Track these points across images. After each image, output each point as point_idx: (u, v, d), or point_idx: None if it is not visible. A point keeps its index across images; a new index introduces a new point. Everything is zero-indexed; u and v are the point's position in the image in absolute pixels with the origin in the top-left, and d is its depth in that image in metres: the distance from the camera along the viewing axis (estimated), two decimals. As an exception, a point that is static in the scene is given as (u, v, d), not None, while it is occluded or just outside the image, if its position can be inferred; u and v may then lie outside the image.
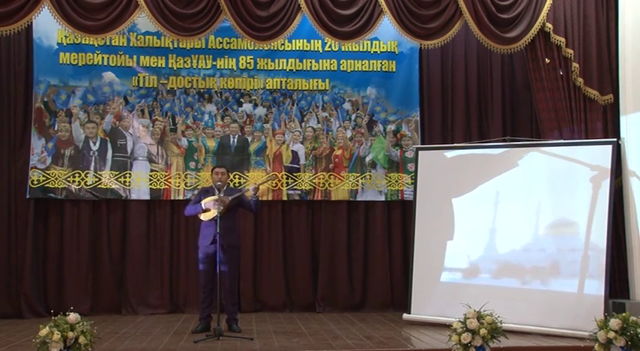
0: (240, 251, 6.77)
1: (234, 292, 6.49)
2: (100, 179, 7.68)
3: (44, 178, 7.56)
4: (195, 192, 7.62)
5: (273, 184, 7.89)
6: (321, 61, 8.11)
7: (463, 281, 6.77)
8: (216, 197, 6.22)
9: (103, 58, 7.81)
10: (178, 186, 7.83)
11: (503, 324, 4.77)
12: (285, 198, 7.97)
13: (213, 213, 6.19)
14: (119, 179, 7.72)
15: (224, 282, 6.20)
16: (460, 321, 4.73)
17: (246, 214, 7.33)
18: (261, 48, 7.81)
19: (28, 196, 7.52)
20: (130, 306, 7.64)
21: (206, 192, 6.52)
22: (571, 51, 7.04)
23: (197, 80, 7.98)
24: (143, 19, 7.08)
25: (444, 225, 7.01)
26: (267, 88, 8.05)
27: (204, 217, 6.32)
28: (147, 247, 7.79)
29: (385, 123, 8.16)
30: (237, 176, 7.88)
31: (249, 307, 7.76)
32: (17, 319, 7.23)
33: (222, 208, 6.11)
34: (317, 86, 8.12)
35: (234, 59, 8.02)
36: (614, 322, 4.68)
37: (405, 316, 6.94)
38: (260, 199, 7.07)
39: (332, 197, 8.02)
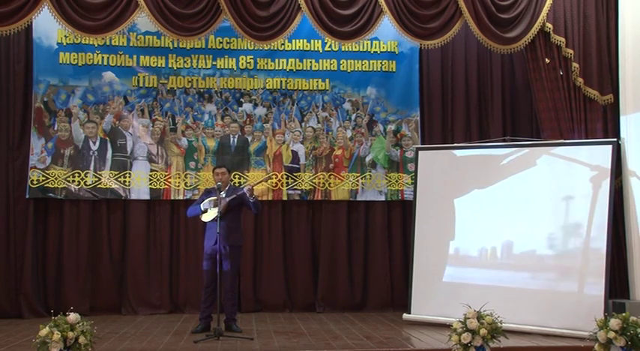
0: (242, 251, 6.76)
1: (235, 292, 6.48)
2: (99, 179, 7.68)
3: (44, 178, 7.56)
4: (196, 192, 7.65)
5: (274, 184, 7.89)
6: (321, 61, 8.11)
7: (463, 281, 6.75)
8: (214, 198, 6.24)
9: (103, 57, 7.81)
10: (178, 186, 7.82)
11: (503, 324, 4.76)
12: (285, 198, 7.96)
13: (213, 214, 6.20)
14: (119, 179, 7.72)
15: (225, 281, 6.20)
16: (460, 321, 4.72)
17: (248, 213, 7.32)
18: (261, 48, 7.81)
19: (27, 196, 7.52)
20: (130, 306, 7.64)
21: (208, 192, 6.53)
22: (571, 51, 7.05)
23: (197, 80, 7.98)
24: (143, 19, 7.07)
25: (443, 225, 7.01)
26: (267, 88, 8.05)
27: (204, 218, 6.34)
28: (147, 247, 7.79)
29: (385, 123, 8.16)
30: (237, 176, 7.88)
31: (249, 307, 7.76)
32: (17, 319, 7.23)
33: (220, 209, 6.11)
34: (317, 86, 8.12)
35: (234, 59, 8.02)
36: (614, 322, 4.68)
37: (405, 316, 6.94)
38: (260, 199, 7.07)
39: (332, 197, 8.02)
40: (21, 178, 7.56)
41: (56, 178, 7.59)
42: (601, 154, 6.45)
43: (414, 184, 7.33)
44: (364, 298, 8.00)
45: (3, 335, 6.16)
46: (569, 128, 7.05)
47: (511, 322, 5.56)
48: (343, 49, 8.06)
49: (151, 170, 7.81)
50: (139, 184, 7.76)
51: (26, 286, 7.39)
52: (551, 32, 7.04)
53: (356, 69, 8.16)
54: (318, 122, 8.10)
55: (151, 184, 7.78)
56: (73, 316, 4.47)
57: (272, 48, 7.78)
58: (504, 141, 7.24)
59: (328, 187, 8.03)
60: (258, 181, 7.01)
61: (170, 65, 7.93)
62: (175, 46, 7.85)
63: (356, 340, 5.89)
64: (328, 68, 8.12)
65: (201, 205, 6.35)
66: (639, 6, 6.88)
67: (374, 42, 8.12)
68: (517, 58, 8.00)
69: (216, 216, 6.09)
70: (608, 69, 7.13)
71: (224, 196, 6.30)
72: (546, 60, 7.11)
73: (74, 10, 6.54)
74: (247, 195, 6.31)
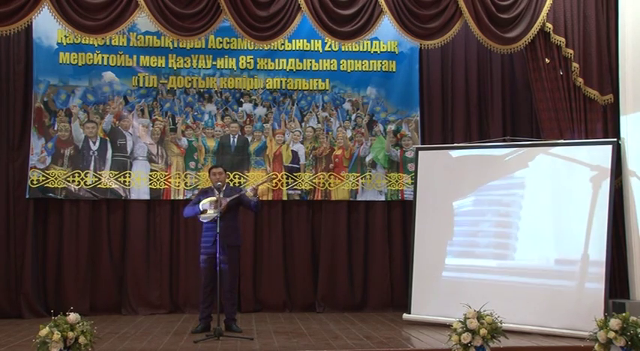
0: (240, 251, 6.76)
1: (234, 292, 6.48)
2: (99, 179, 7.68)
3: (44, 178, 7.56)
4: (196, 192, 7.63)
5: (273, 184, 7.90)
6: (321, 61, 8.11)
7: (463, 281, 6.75)
8: (214, 198, 6.22)
9: (103, 57, 7.81)
10: (178, 186, 7.83)
11: (503, 324, 4.77)
12: (285, 198, 7.96)
13: (212, 214, 6.18)
14: (119, 179, 7.72)
15: (224, 282, 6.19)
16: (460, 321, 4.73)
17: (247, 213, 7.33)
18: (261, 48, 7.81)
19: (27, 196, 7.52)
20: (130, 306, 7.64)
21: (205, 193, 6.51)
22: (571, 51, 7.05)
23: (197, 80, 7.98)
24: (143, 19, 7.07)
25: (443, 225, 7.01)
26: (267, 88, 8.05)
27: (203, 218, 6.31)
28: (147, 246, 7.79)
29: (385, 123, 8.16)
30: (237, 176, 7.89)
31: (249, 307, 7.76)
32: (17, 319, 7.24)
33: (220, 209, 6.11)
34: (317, 86, 8.12)
35: (234, 59, 8.02)
36: (614, 322, 4.68)
37: (405, 316, 6.94)
38: (260, 198, 7.07)
39: (332, 197, 8.02)
40: (21, 178, 7.56)
41: (56, 178, 7.59)
42: (601, 154, 6.44)
43: (414, 184, 7.33)
44: (364, 298, 8.00)
45: (3, 335, 6.16)
46: (569, 128, 7.05)
47: (511, 322, 5.55)
48: (343, 49, 8.06)
49: (151, 170, 7.81)
50: (139, 184, 7.76)
51: (26, 286, 7.39)
52: (551, 32, 7.04)
53: (356, 69, 8.16)
54: (318, 122, 8.10)
55: (151, 184, 7.79)
56: (73, 316, 4.47)
57: (272, 48, 7.78)
58: (504, 141, 7.24)
59: (328, 187, 8.02)
60: (261, 182, 7.00)
61: (170, 65, 7.93)
62: (175, 46, 7.85)
63: (356, 340, 5.88)
64: (328, 68, 8.12)
65: (201, 205, 6.32)
66: (639, 6, 6.88)
67: (374, 42, 8.12)
68: (517, 58, 8.00)
69: (216, 216, 6.08)
70: (608, 69, 7.13)
71: (222, 196, 6.27)
72: (546, 60, 7.11)
73: (74, 10, 6.54)
74: (252, 195, 6.31)
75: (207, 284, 6.30)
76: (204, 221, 6.31)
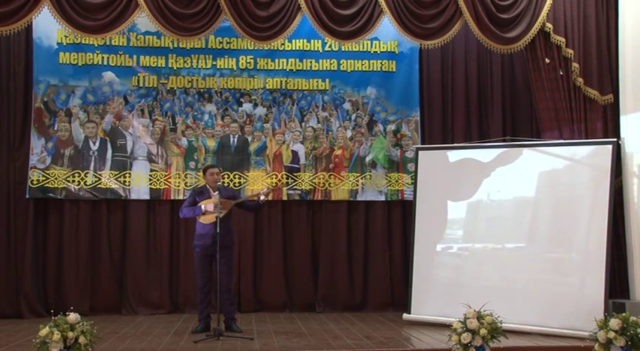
0: (235, 250, 6.78)
1: (232, 292, 6.47)
2: (99, 179, 7.68)
3: (44, 178, 7.56)
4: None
5: (274, 184, 7.90)
6: (321, 61, 8.11)
7: (463, 281, 6.75)
8: (215, 200, 6.17)
9: (103, 57, 7.81)
10: (178, 186, 7.82)
11: (503, 324, 4.77)
12: (285, 198, 7.96)
13: (214, 216, 6.12)
14: (119, 179, 7.72)
15: (222, 282, 6.16)
16: (460, 321, 4.73)
17: (246, 212, 7.31)
18: (261, 48, 7.81)
19: (27, 196, 7.52)
20: (130, 306, 7.64)
21: (200, 193, 6.46)
22: (571, 51, 7.05)
23: (197, 80, 7.98)
24: (143, 19, 7.07)
25: (443, 225, 7.01)
26: (267, 88, 8.05)
27: (204, 220, 6.26)
28: (147, 246, 7.79)
29: (385, 123, 8.16)
30: (237, 176, 7.89)
31: (249, 307, 7.76)
32: (17, 319, 7.24)
33: (225, 210, 6.08)
34: (317, 86, 8.12)
35: (234, 59, 8.02)
36: (614, 322, 4.69)
37: (405, 316, 6.94)
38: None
39: (332, 197, 8.02)
40: (21, 178, 7.56)
41: (56, 178, 7.59)
42: (601, 154, 6.44)
43: (414, 184, 7.33)
44: (364, 298, 8.00)
45: (3, 335, 6.16)
46: (569, 128, 7.06)
47: (511, 322, 5.56)
48: (343, 49, 8.06)
49: (151, 170, 7.81)
50: (139, 184, 7.76)
51: (26, 286, 7.39)
52: (551, 32, 7.05)
53: (356, 69, 8.16)
54: (318, 122, 8.10)
55: (151, 184, 7.79)
56: (73, 316, 4.48)
57: (272, 48, 7.78)
58: (504, 141, 7.24)
59: (328, 187, 8.02)
60: (273, 187, 7.03)
61: (170, 65, 7.93)
62: (175, 46, 7.85)
63: (356, 340, 5.89)
64: (328, 68, 8.12)
65: (203, 206, 6.29)
66: (639, 6, 6.88)
67: (374, 42, 8.12)
68: (517, 58, 8.00)
69: (217, 217, 6.03)
70: (608, 69, 7.13)
71: (220, 196, 6.22)
72: (546, 60, 7.12)
73: (74, 10, 6.55)
74: (264, 199, 6.36)
75: (205, 284, 6.30)
76: (205, 223, 6.26)
